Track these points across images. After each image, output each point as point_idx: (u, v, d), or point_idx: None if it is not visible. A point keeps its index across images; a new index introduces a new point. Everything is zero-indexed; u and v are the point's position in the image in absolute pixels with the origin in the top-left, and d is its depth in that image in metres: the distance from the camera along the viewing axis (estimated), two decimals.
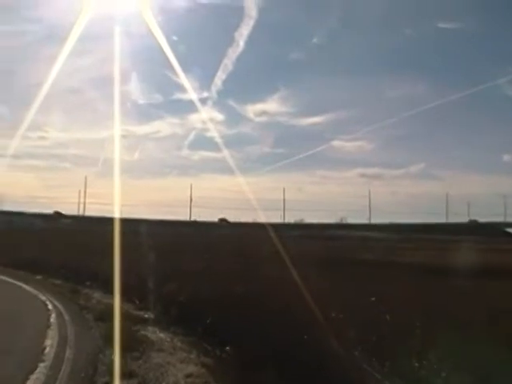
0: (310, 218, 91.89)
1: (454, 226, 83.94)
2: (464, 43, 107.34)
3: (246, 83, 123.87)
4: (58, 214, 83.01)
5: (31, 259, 22.10)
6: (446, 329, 8.27)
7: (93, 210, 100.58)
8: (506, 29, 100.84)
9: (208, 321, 9.98)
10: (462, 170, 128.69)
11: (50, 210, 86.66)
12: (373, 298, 9.48)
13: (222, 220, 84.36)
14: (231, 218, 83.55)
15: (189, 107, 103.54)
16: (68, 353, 8.41)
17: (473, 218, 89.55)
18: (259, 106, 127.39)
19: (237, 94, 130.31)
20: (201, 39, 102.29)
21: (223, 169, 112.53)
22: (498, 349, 6.80)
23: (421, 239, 51.98)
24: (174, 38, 64.92)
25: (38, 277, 19.31)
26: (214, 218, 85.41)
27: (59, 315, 11.84)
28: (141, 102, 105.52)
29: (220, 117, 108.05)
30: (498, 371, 6.15)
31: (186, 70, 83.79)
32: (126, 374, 7.41)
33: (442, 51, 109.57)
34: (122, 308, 11.68)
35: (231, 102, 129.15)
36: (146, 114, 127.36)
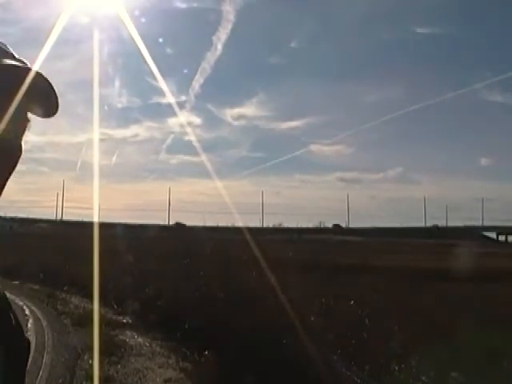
0: (288, 222, 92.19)
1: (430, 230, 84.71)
2: (441, 48, 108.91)
3: (224, 87, 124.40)
4: (179, 225, 78.51)
5: (8, 264, 21.85)
6: (425, 332, 8.34)
7: (71, 215, 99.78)
8: (483, 34, 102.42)
9: (186, 326, 9.95)
10: (440, 174, 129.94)
11: (27, 215, 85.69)
12: (352, 302, 9.52)
13: (336, 226, 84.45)
14: (211, 222, 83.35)
15: (167, 111, 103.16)
16: (46, 358, 8.34)
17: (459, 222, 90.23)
18: (237, 110, 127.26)
19: (215, 97, 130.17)
20: (179, 43, 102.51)
21: (201, 173, 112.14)
22: (479, 353, 6.88)
23: (399, 243, 52.30)
24: (153, 42, 64.78)
25: (15, 282, 19.09)
26: (193, 222, 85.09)
27: (36, 320, 11.72)
28: (119, 105, 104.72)
29: (198, 121, 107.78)
30: (477, 374, 6.20)
31: (164, 73, 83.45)
32: (105, 379, 7.37)
33: (419, 56, 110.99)
34: (100, 313, 11.60)
35: (209, 106, 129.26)
36: (124, 117, 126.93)
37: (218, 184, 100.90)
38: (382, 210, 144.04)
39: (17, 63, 1.16)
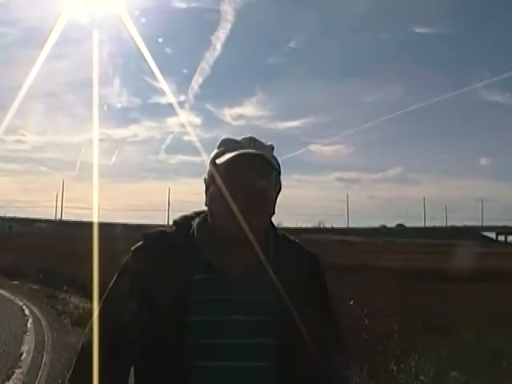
0: (288, 222, 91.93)
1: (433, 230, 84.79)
2: (440, 48, 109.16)
3: (223, 87, 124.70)
4: None
5: (7, 264, 21.83)
6: (424, 332, 8.34)
7: (70, 215, 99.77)
8: (482, 34, 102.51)
9: None
10: (440, 173, 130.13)
11: (26, 215, 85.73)
12: (351, 302, 9.51)
13: (400, 225, 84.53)
14: None
15: (166, 111, 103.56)
16: (45, 358, 8.32)
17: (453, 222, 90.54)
18: (236, 110, 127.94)
19: (214, 97, 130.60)
20: (178, 43, 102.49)
21: (201, 173, 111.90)
22: (479, 352, 6.87)
23: (397, 243, 52.30)
24: (152, 41, 64.69)
25: (15, 282, 19.06)
26: None
27: (36, 320, 11.71)
28: (118, 105, 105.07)
29: (197, 120, 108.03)
30: (477, 374, 6.20)
31: (163, 73, 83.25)
32: None
33: (418, 56, 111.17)
34: None
35: (208, 106, 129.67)
36: (123, 117, 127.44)
37: None
38: (380, 210, 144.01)
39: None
